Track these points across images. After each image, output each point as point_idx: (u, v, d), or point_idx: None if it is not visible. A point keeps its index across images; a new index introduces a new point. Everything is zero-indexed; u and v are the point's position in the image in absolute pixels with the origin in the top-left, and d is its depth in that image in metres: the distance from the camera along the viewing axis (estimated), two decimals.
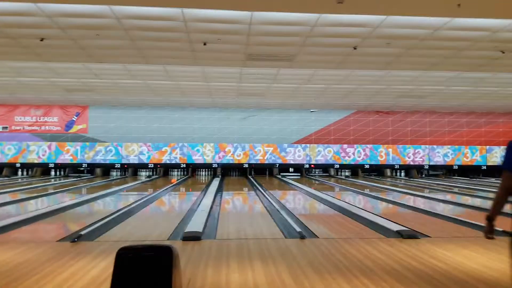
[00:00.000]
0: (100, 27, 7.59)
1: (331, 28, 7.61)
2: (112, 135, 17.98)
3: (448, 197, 10.82)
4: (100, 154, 17.86)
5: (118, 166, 17.98)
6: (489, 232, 2.58)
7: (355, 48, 8.77)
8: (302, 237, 5.25)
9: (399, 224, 6.00)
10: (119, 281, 2.63)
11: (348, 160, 18.73)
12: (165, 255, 2.69)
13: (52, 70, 11.12)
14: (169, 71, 11.10)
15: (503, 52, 8.99)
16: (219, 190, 11.95)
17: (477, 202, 9.70)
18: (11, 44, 8.55)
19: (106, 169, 18.29)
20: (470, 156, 19.09)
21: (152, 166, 18.07)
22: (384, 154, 18.81)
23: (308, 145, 18.65)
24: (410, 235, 5.34)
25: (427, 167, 19.02)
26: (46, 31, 7.77)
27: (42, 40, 8.24)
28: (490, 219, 2.57)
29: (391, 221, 6.36)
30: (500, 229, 2.75)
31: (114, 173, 18.35)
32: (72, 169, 18.16)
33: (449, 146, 19.06)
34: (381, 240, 5.17)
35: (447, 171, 19.33)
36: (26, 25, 7.49)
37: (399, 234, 5.39)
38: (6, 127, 17.69)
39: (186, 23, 7.34)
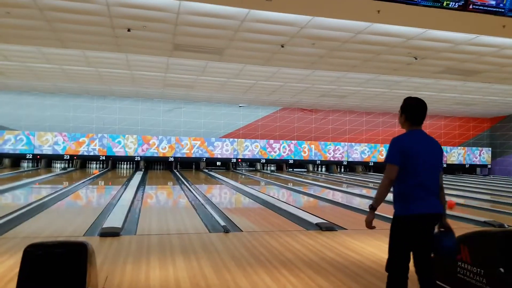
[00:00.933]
0: (10, 5, 6.90)
1: (260, 24, 7.68)
2: (23, 123, 16.54)
3: (364, 191, 11.53)
4: (9, 143, 16.30)
5: (30, 157, 16.55)
6: (372, 220, 2.77)
7: (282, 46, 8.96)
8: (226, 231, 5.27)
9: (319, 217, 6.26)
10: (27, 281, 2.43)
11: (274, 155, 19.16)
12: (78, 252, 2.53)
13: None
14: (89, 56, 10.45)
15: (416, 58, 9.75)
16: (142, 184, 11.55)
17: (389, 196, 10.43)
18: None
19: (16, 159, 16.76)
20: (385, 153, 20.49)
21: (68, 157, 16.90)
22: (307, 150, 19.54)
23: (236, 139, 18.74)
24: (328, 227, 5.60)
25: (345, 163, 20.11)
26: None
27: None
28: (374, 208, 2.78)
29: (311, 214, 6.62)
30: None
31: (25, 164, 16.89)
32: None
33: (366, 144, 20.31)
34: (301, 233, 5.36)
35: (364, 167, 20.58)
36: None
37: (318, 227, 5.62)
38: None
39: (109, 7, 6.95)
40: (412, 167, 2.69)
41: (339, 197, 9.99)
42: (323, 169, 20.32)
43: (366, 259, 4.20)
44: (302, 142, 19.48)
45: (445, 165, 20.41)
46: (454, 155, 21.10)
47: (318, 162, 19.76)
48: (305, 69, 11.27)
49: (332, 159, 19.84)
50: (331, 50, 9.22)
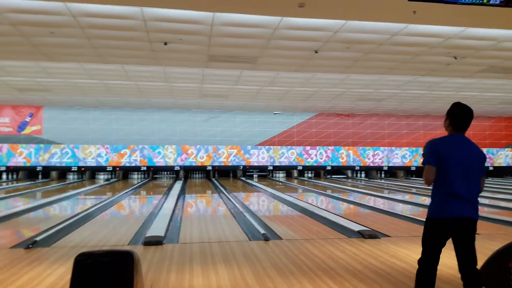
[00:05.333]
0: (54, 25, 7.28)
1: (293, 31, 7.68)
2: (68, 136, 17.30)
3: (407, 197, 11.19)
4: (56, 156, 17.13)
5: (75, 169, 17.31)
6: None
7: (316, 52, 8.91)
8: (266, 239, 5.25)
9: (360, 224, 6.13)
10: None
11: (310, 162, 19.00)
12: (125, 261, 2.59)
13: (1, 68, 10.55)
14: (128, 71, 10.83)
15: (456, 58, 9.42)
16: (182, 193, 11.76)
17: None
18: None
19: (62, 172, 17.56)
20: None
21: (111, 169, 17.53)
22: (345, 156, 19.24)
23: (271, 147, 18.75)
24: (371, 235, 5.46)
25: (386, 168, 19.61)
26: None
27: None
28: None
29: (352, 221, 6.49)
30: None
31: (71, 176, 17.64)
32: (26, 172, 17.30)
33: (407, 148, 19.75)
34: (343, 241, 5.26)
35: (406, 172, 19.99)
36: None
37: (360, 234, 5.50)
38: None
39: (146, 22, 7.18)
40: (444, 169, 2.72)
41: (380, 203, 9.75)
42: (363, 175, 19.91)
43: (412, 266, 4.06)
44: (339, 148, 19.21)
45: (491, 168, 19.52)
46: (501, 157, 20.13)
47: (357, 168, 19.41)
48: (340, 74, 11.15)
49: (371, 164, 19.43)
50: (366, 53, 9.07)
